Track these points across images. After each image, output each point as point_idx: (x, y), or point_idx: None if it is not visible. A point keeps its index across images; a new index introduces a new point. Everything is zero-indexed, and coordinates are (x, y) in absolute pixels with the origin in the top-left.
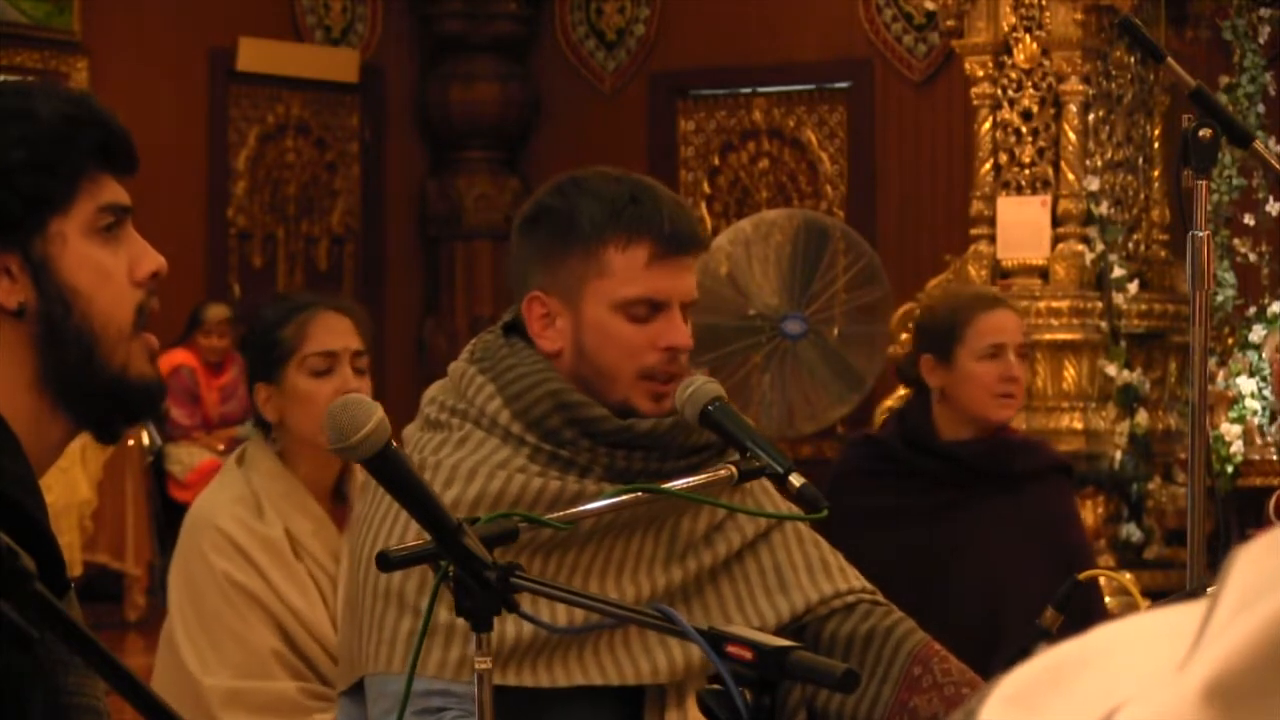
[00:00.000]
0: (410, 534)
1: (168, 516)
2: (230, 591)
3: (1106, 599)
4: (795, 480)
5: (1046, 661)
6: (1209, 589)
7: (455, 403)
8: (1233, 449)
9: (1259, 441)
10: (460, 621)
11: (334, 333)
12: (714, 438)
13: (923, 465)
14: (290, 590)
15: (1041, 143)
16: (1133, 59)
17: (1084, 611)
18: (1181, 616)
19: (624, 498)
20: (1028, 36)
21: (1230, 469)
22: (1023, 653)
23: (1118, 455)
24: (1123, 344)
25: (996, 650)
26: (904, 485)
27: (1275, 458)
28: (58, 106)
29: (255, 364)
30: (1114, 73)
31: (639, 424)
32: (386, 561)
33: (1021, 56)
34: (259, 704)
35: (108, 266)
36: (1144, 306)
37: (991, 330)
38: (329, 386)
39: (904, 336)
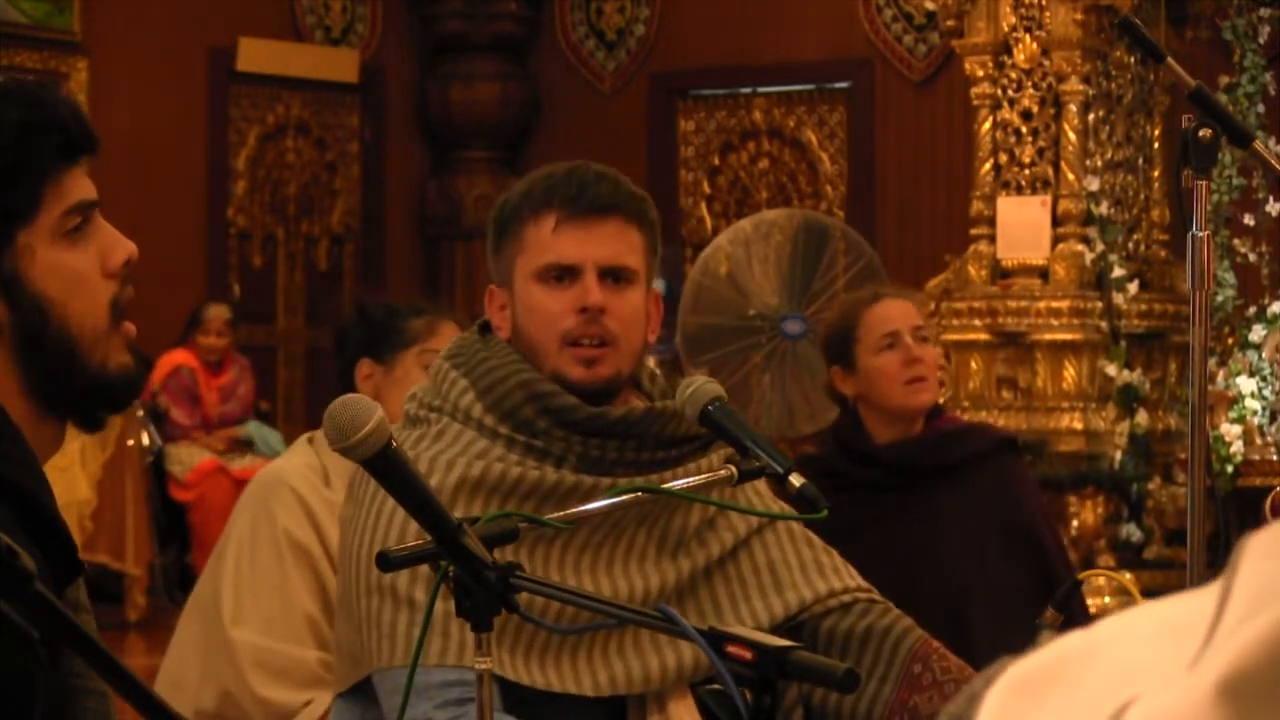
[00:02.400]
0: (395, 533)
1: (168, 516)
2: (285, 548)
3: (1106, 598)
4: (795, 480)
5: (1053, 652)
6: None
7: (432, 399)
8: (1233, 449)
9: (1259, 441)
10: None
11: None
12: (696, 429)
13: (865, 475)
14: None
15: (1041, 143)
16: (1133, 59)
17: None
18: (1188, 609)
19: (625, 498)
20: (1028, 36)
21: (1230, 469)
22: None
23: (1118, 455)
24: (1123, 344)
25: (969, 639)
26: (850, 498)
27: (1275, 458)
28: (13, 115)
29: (366, 341)
30: (1114, 73)
31: (610, 411)
32: (387, 562)
33: (1021, 56)
34: (278, 667)
35: (79, 269)
36: (1144, 306)
37: (879, 321)
38: None
39: None
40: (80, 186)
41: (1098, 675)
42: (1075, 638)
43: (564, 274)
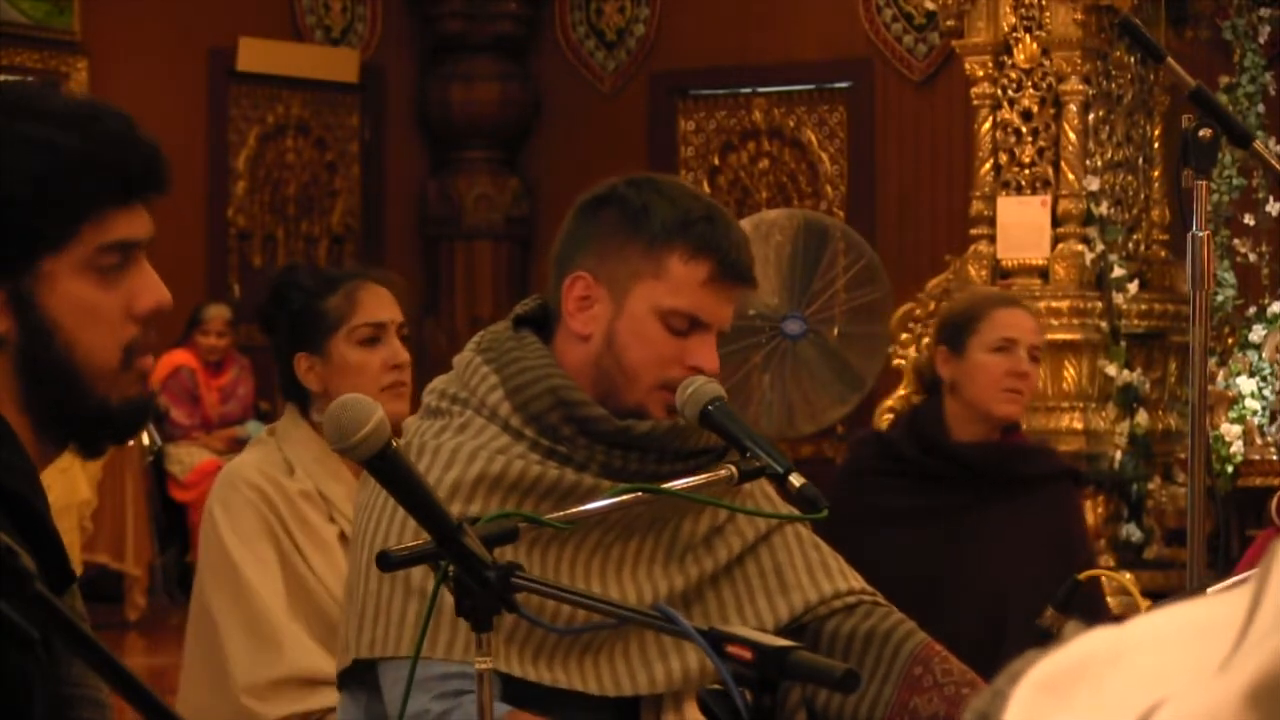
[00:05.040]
0: (410, 524)
1: (168, 516)
2: (243, 552)
3: (1106, 598)
4: (795, 480)
5: (1079, 652)
6: (1237, 581)
7: (457, 391)
8: (1233, 449)
9: (1259, 441)
10: None
11: (382, 303)
12: (712, 443)
13: (931, 467)
14: (309, 545)
15: (1041, 143)
16: (1133, 59)
17: (1086, 611)
18: (1216, 612)
19: (625, 497)
20: (1028, 36)
21: (1230, 469)
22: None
23: (1118, 455)
24: (1123, 344)
25: (1000, 654)
26: (912, 486)
27: (1275, 458)
28: (79, 141)
29: (295, 334)
30: (1114, 73)
31: (637, 425)
32: (387, 562)
33: (1021, 56)
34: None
35: (99, 306)
36: (1144, 306)
37: (1005, 325)
38: (378, 357)
39: (904, 336)
40: (129, 225)
41: (1125, 675)
42: (1101, 637)
43: (692, 326)
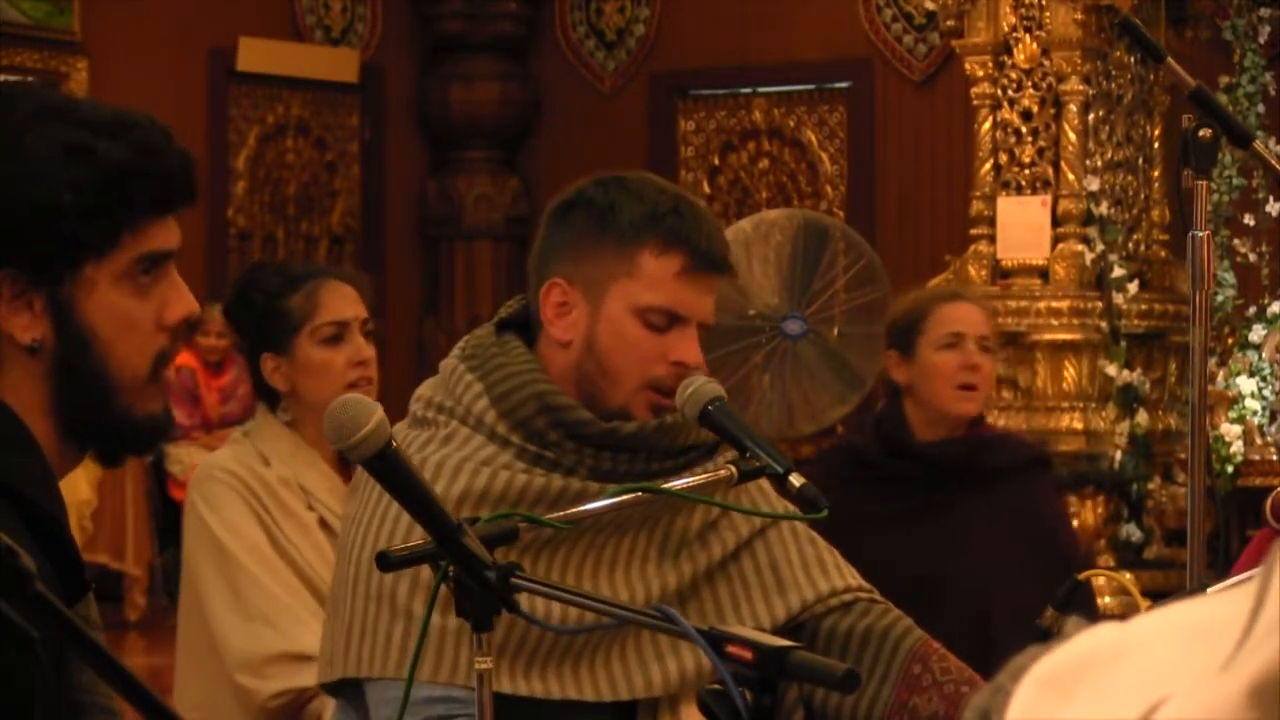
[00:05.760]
0: (402, 535)
1: (168, 516)
2: (230, 540)
3: (1106, 598)
4: (795, 480)
5: (1081, 649)
6: (1237, 581)
7: (443, 400)
8: (1233, 449)
9: (1259, 441)
10: (454, 623)
11: (345, 300)
12: (700, 439)
13: (899, 469)
14: (291, 528)
15: (1041, 143)
16: (1133, 59)
17: (1077, 610)
18: (1219, 612)
19: (624, 498)
20: (1028, 36)
21: (1230, 469)
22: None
23: (1118, 455)
24: (1123, 344)
25: (990, 648)
26: (883, 490)
27: (1275, 458)
28: (119, 152)
29: (260, 335)
30: (1114, 73)
31: (624, 426)
32: (387, 562)
33: (1021, 56)
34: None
35: (134, 315)
36: (1144, 306)
37: (949, 320)
38: (342, 355)
39: None
40: (162, 236)
41: (1128, 673)
42: (1104, 634)
43: (671, 321)
